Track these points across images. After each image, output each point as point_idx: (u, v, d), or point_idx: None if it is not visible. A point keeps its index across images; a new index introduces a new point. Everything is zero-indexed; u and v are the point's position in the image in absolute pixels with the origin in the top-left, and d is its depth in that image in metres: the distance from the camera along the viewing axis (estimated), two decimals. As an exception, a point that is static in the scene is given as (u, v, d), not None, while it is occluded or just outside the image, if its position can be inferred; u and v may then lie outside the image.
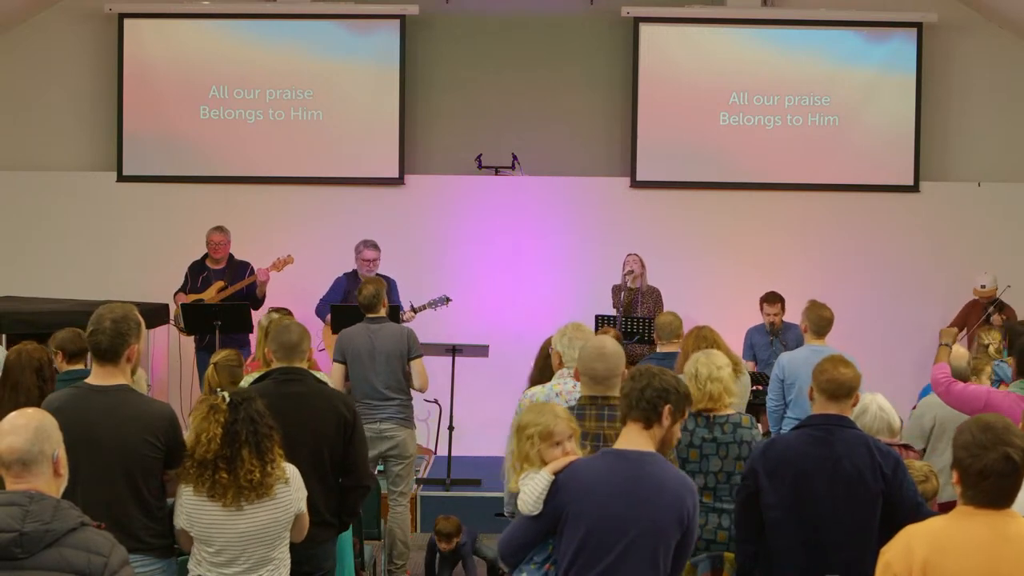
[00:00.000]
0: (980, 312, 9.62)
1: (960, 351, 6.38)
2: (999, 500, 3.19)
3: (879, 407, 5.28)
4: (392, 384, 7.07)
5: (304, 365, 4.93)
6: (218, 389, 4.37)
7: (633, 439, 3.81)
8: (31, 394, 4.97)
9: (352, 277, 9.37)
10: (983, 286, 9.72)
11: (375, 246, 9.33)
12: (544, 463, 3.81)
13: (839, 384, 4.47)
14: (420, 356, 7.20)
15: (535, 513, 3.77)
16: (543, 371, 5.74)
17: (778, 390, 6.90)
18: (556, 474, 3.77)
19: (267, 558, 4.18)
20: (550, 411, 3.92)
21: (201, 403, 4.24)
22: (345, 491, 4.45)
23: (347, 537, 5.38)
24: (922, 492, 4.55)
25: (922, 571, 3.18)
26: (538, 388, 5.08)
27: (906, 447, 5.33)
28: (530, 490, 3.76)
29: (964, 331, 9.74)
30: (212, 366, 5.90)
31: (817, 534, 4.32)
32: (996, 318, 9.43)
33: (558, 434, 3.84)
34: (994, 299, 9.63)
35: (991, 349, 7.33)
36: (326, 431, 4.51)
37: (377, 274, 9.21)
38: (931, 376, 5.81)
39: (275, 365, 4.97)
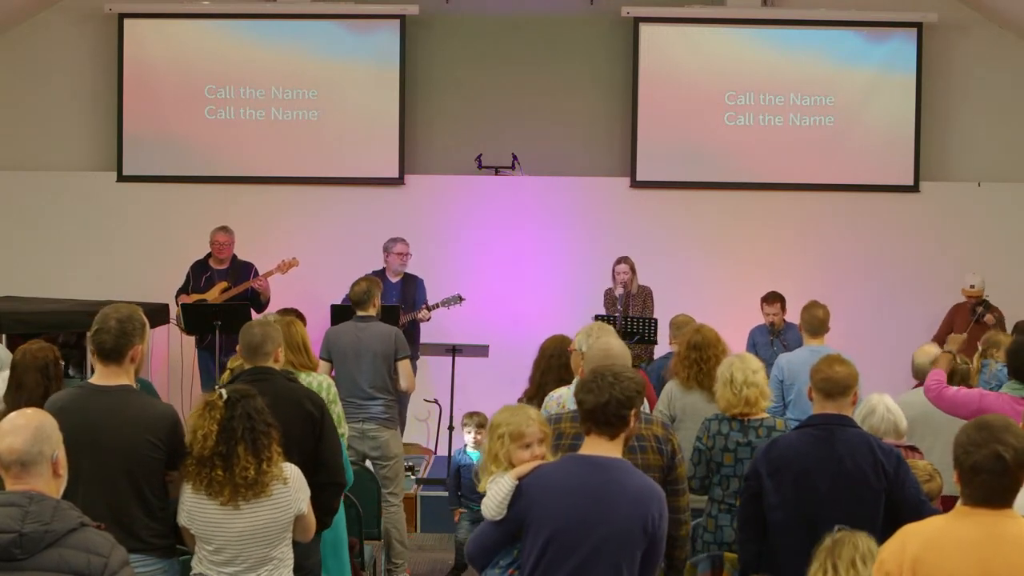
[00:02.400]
0: (967, 314, 9.66)
1: (928, 349, 6.39)
2: (993, 498, 3.19)
3: (887, 408, 5.28)
4: (377, 384, 7.06)
5: (272, 364, 4.86)
6: (216, 386, 4.37)
7: (599, 446, 3.79)
8: (34, 394, 4.95)
9: (380, 276, 9.31)
10: (972, 286, 9.75)
11: (406, 242, 9.29)
12: (512, 464, 3.83)
13: (834, 383, 4.48)
14: (407, 357, 7.19)
15: (498, 518, 3.78)
16: (546, 373, 5.67)
17: (777, 391, 6.90)
18: (520, 479, 3.77)
19: (267, 557, 4.17)
20: (523, 413, 3.94)
21: (199, 400, 4.24)
22: (318, 489, 4.43)
23: (342, 536, 5.35)
24: (927, 492, 4.55)
25: (912, 569, 3.19)
26: (564, 390, 5.00)
27: (912, 448, 5.32)
28: (493, 494, 3.78)
29: (951, 334, 9.79)
30: (230, 371, 5.89)
31: (820, 534, 4.31)
32: (989, 317, 9.47)
33: (528, 436, 3.85)
34: (981, 299, 9.67)
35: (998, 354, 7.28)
36: (293, 430, 4.49)
37: (406, 273, 9.23)
38: (925, 381, 5.82)
39: (245, 366, 4.96)
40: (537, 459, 3.84)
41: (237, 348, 5.15)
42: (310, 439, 4.64)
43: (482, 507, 3.83)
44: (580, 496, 3.68)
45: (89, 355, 5.44)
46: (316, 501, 4.38)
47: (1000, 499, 3.20)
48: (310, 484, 4.32)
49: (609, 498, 3.67)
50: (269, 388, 4.51)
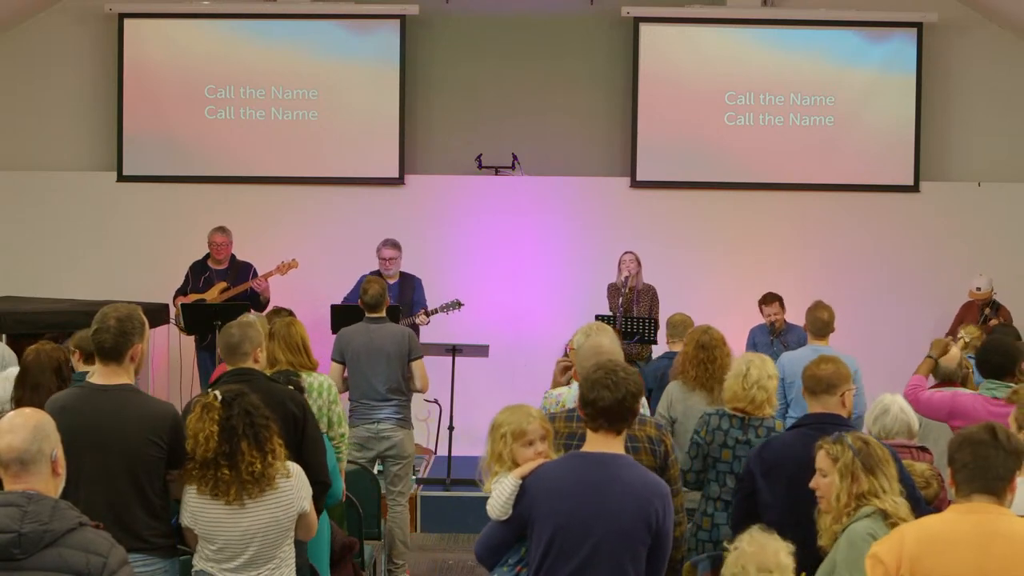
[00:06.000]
0: (976, 314, 9.64)
1: (954, 353, 6.38)
2: (980, 478, 3.19)
3: (901, 408, 5.26)
4: (392, 385, 7.08)
5: (252, 365, 4.84)
6: (209, 389, 4.38)
7: (603, 442, 3.80)
8: (51, 395, 4.94)
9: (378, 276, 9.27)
10: (978, 288, 9.72)
11: (394, 245, 9.21)
12: (515, 463, 3.86)
13: (817, 380, 4.50)
14: (421, 357, 7.21)
15: (504, 518, 3.81)
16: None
17: (780, 389, 6.91)
18: (523, 478, 3.79)
19: (270, 556, 4.18)
20: (524, 411, 3.96)
21: (195, 404, 4.24)
22: None
23: (324, 540, 5.30)
24: (924, 497, 4.55)
25: (910, 566, 3.21)
26: (564, 389, 5.03)
27: (922, 449, 5.31)
28: (498, 494, 3.82)
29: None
30: None
31: (814, 533, 4.31)
32: (994, 321, 9.44)
33: (530, 433, 3.88)
34: (989, 301, 9.66)
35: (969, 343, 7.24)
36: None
37: (403, 273, 9.21)
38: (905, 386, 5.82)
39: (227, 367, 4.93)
40: (540, 457, 3.86)
41: None
42: (292, 439, 4.65)
43: (488, 507, 3.86)
44: (582, 493, 3.70)
45: (70, 355, 5.44)
46: None
47: (987, 479, 3.19)
48: None
49: (611, 494, 3.69)
50: (250, 389, 4.51)
